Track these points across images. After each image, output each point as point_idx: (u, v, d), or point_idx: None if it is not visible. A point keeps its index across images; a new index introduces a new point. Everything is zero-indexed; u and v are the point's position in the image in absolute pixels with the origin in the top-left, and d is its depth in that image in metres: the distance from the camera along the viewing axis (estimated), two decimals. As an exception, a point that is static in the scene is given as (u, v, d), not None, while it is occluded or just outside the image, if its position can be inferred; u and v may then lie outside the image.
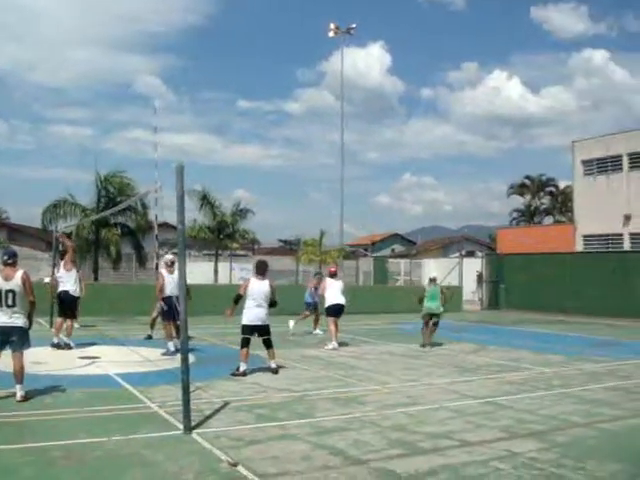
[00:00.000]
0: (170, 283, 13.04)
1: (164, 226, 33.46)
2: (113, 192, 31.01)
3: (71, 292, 14.15)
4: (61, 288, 14.15)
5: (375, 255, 59.00)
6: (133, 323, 19.22)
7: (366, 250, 65.69)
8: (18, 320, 8.41)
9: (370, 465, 6.09)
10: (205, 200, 35.19)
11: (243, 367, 10.77)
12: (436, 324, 15.63)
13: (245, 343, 10.91)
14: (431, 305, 15.59)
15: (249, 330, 11.02)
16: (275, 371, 11.04)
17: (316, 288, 17.42)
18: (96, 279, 29.16)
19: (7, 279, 8.41)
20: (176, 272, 11.29)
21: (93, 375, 10.64)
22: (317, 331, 17.86)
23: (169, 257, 13.92)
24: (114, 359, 12.34)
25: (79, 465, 5.90)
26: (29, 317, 8.58)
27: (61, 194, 31.13)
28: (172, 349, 12.75)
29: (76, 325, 17.48)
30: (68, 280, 14.21)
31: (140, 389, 9.26)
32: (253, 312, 11.00)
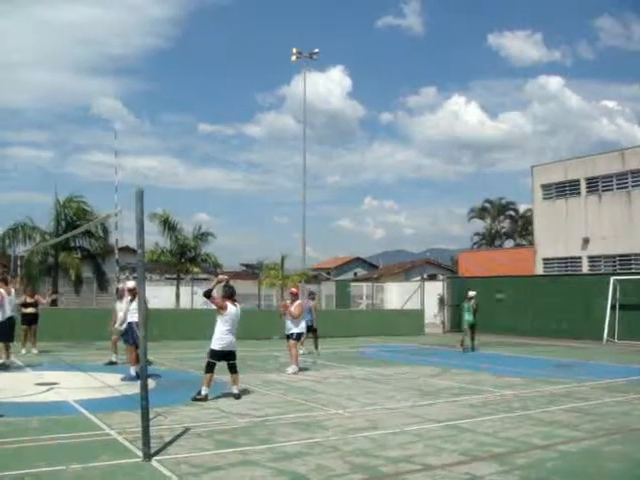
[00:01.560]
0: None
1: (125, 250, 33.14)
2: (72, 216, 30.62)
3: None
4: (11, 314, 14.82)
5: (337, 279, 59.05)
6: (93, 348, 18.96)
7: (328, 274, 65.75)
8: None
9: (331, 490, 6.06)
10: (167, 224, 34.92)
11: (205, 391, 10.68)
12: (473, 331, 21.00)
13: (211, 368, 10.83)
14: (466, 317, 21.04)
15: (220, 356, 10.97)
16: (237, 396, 10.96)
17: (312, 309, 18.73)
18: (54, 304, 28.63)
19: None
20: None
21: (51, 402, 10.44)
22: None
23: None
24: (73, 385, 12.14)
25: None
26: None
27: (20, 218, 30.69)
28: (133, 374, 12.61)
29: (34, 351, 17.34)
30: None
31: (99, 415, 9.12)
32: (227, 339, 10.97)
